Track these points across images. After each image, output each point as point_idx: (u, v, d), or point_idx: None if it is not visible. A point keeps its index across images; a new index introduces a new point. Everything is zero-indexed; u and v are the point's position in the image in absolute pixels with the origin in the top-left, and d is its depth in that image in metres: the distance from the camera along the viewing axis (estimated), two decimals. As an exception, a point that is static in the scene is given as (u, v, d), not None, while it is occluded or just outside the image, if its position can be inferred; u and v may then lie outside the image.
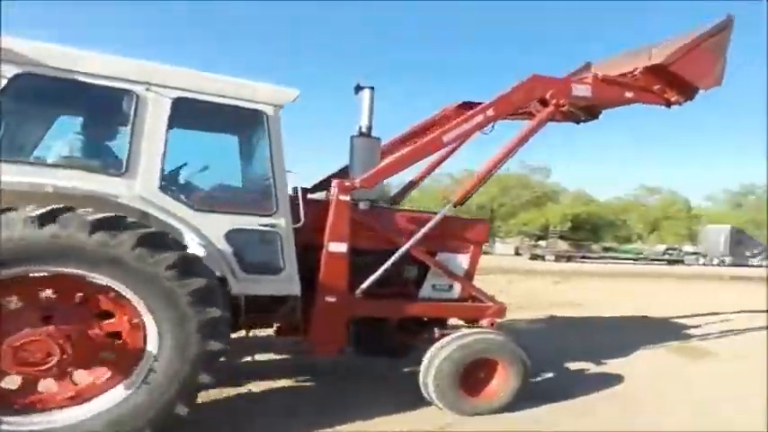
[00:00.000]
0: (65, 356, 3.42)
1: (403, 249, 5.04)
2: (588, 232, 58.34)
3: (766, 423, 4.67)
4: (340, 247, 4.74)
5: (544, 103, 5.71)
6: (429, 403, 4.97)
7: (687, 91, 6.16)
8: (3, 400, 3.48)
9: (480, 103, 5.64)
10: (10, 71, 3.58)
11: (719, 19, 5.98)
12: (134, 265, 3.45)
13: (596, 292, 16.76)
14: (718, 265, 39.60)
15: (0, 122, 3.71)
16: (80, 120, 4.45)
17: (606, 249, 46.01)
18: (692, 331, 10.03)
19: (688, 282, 23.61)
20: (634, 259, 41.75)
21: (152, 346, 3.68)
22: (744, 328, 10.41)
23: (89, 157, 4.15)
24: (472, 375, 4.92)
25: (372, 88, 5.32)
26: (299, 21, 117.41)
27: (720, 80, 6.17)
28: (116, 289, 3.54)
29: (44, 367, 3.39)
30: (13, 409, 3.46)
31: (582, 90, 5.76)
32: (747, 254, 41.63)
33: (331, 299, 4.71)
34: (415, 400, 5.01)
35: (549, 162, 66.62)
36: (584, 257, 39.30)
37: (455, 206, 5.59)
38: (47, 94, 4.10)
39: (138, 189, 3.87)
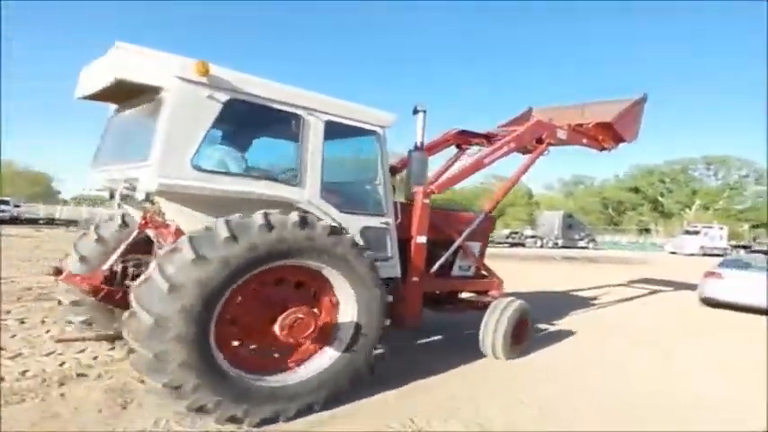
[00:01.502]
0: (314, 328, 4.35)
1: (460, 240, 6.74)
2: (442, 217, 60.21)
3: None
4: (422, 239, 6.06)
5: (540, 141, 7.60)
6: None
7: (617, 141, 8.61)
8: (270, 364, 4.43)
9: (473, 132, 8.10)
10: (223, 97, 4.29)
11: (641, 94, 8.62)
12: (351, 260, 4.52)
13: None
14: (553, 247, 42.65)
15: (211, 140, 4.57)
16: (264, 137, 5.74)
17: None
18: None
19: (528, 262, 24.58)
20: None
21: (352, 321, 4.67)
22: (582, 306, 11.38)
23: (274, 169, 5.22)
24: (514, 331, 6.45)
25: (425, 111, 6.20)
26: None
27: (637, 136, 8.82)
28: (328, 276, 4.58)
29: (303, 336, 4.31)
30: (277, 370, 4.42)
31: (562, 134, 7.81)
32: (576, 237, 45.62)
33: (416, 279, 5.97)
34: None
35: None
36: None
37: (488, 214, 7.41)
38: (245, 116, 4.83)
39: (307, 195, 4.77)
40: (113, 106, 5.32)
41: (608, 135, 8.34)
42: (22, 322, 6.89)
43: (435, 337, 7.54)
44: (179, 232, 4.42)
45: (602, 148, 8.64)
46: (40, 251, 16.71)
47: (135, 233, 5.21)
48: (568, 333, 8.31)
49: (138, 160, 4.33)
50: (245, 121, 5.07)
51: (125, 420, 4.07)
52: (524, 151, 7.83)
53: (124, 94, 4.65)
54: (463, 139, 8.04)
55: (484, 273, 7.42)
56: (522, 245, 44.42)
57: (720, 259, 15.48)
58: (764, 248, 23.66)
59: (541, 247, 43.12)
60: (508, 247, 42.84)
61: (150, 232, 5.16)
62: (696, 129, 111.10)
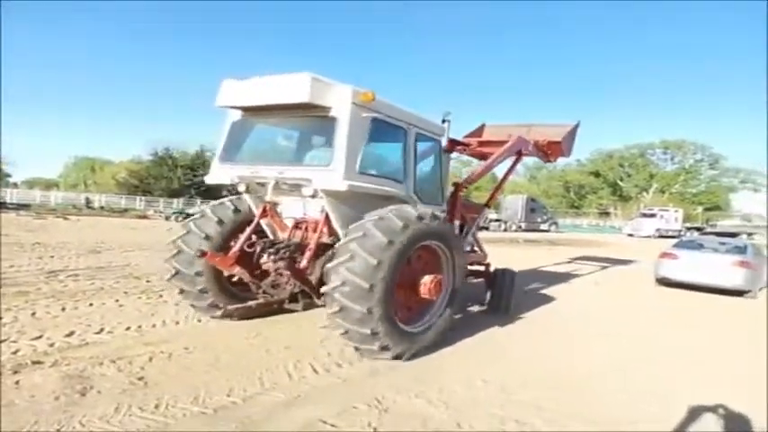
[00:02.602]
0: (442, 289, 6.18)
1: (474, 225, 8.90)
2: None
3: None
4: (457, 223, 7.95)
5: (519, 152, 9.54)
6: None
7: (557, 156, 10.62)
8: (407, 315, 5.91)
9: (458, 140, 9.53)
10: (372, 116, 5.83)
11: (577, 121, 10.67)
12: (452, 238, 6.46)
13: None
14: (516, 230, 43.38)
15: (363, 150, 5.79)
16: (388, 146, 6.60)
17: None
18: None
19: (493, 245, 24.75)
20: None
21: (450, 283, 6.36)
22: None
23: (392, 171, 6.40)
24: None
25: (450, 120, 7.94)
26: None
27: (571, 154, 10.92)
28: (440, 252, 6.25)
29: (437, 294, 6.06)
30: (406, 323, 5.77)
31: (530, 147, 9.64)
32: (539, 220, 46.54)
33: None
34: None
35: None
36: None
37: (488, 206, 9.95)
38: (377, 130, 5.96)
39: (407, 190, 6.33)
40: (236, 114, 6.39)
41: (555, 150, 10.38)
42: (-27, 309, 6.60)
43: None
44: (328, 220, 5.90)
45: (548, 160, 10.98)
46: (-9, 236, 15.97)
47: (256, 221, 6.36)
48: (524, 310, 8.53)
49: (301, 163, 6.34)
50: (375, 134, 6.09)
51: (85, 407, 3.96)
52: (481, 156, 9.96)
53: (281, 110, 6.01)
54: (451, 146, 9.47)
55: (476, 249, 9.06)
56: (486, 228, 45.02)
57: (675, 240, 16.05)
58: (716, 230, 24.70)
59: (505, 230, 43.75)
60: (473, 230, 43.40)
61: (264, 221, 6.47)
62: (654, 113, 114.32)
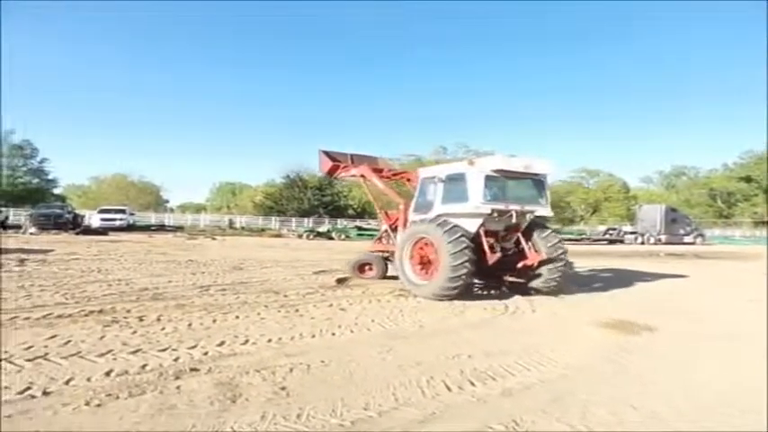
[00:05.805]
0: None
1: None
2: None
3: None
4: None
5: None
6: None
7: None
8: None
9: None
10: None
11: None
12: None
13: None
14: (655, 243, 39.88)
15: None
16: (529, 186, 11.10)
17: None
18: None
19: (629, 259, 23.12)
20: (577, 240, 41.57)
21: None
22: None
23: (534, 199, 10.90)
24: None
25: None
26: None
27: None
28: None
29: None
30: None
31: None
32: (681, 231, 42.36)
33: None
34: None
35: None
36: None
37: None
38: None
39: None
40: (488, 171, 10.12)
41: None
42: (141, 320, 7.47)
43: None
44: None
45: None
46: (153, 255, 18.13)
47: (484, 234, 10.34)
48: (664, 326, 7.69)
49: (528, 203, 10.62)
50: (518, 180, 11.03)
51: (235, 413, 4.24)
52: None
53: (521, 174, 10.62)
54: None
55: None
56: (621, 241, 41.94)
57: None
58: None
59: (642, 243, 40.45)
60: (606, 244, 40.70)
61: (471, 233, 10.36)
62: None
